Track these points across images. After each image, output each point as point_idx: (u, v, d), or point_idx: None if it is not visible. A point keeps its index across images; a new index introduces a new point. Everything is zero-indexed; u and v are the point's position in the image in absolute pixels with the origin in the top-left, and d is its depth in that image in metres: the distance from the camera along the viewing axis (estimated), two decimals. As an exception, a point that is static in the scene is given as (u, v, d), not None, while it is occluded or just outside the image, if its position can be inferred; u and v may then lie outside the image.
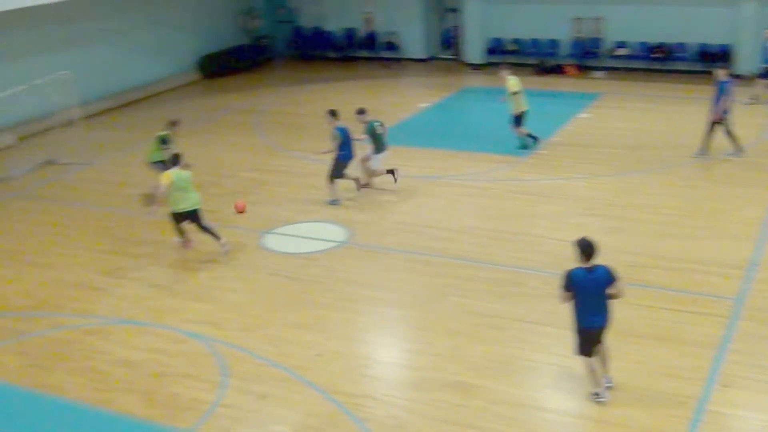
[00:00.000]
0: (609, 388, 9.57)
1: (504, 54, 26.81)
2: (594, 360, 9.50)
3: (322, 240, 14.34)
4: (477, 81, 26.10)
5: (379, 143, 16.23)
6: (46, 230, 15.44)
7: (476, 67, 27.11)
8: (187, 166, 13.87)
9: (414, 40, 28.62)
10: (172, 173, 13.62)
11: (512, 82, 18.24)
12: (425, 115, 22.34)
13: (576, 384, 9.80)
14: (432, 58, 28.86)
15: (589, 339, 9.34)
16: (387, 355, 10.98)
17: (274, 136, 20.44)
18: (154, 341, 11.35)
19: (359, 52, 29.42)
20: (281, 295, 12.48)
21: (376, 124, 16.23)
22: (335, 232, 14.59)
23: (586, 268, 9.06)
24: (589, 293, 9.08)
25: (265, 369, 10.54)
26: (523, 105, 18.28)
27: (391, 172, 16.45)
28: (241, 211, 15.77)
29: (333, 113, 15.94)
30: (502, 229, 14.38)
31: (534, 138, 18.66)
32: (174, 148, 15.86)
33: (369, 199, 16.02)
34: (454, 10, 28.34)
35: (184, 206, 13.74)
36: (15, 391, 10.40)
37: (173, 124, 16.16)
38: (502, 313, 11.55)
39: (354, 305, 12.09)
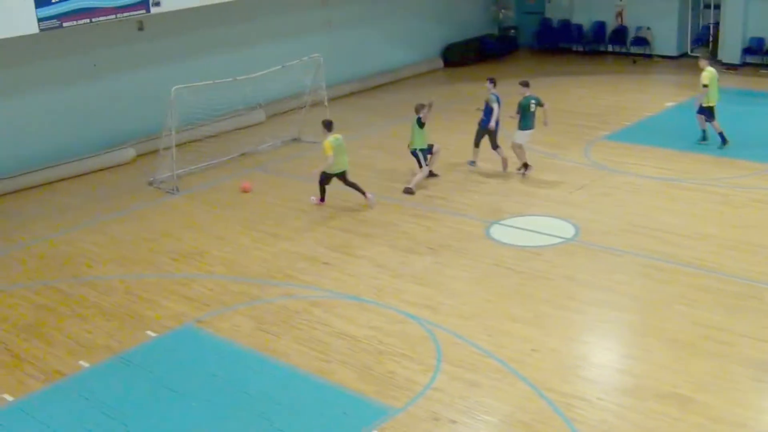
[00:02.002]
0: None
1: (764, 55, 25.20)
2: None
3: (548, 235, 14.15)
4: (731, 82, 24.56)
5: (526, 120, 16.47)
6: (284, 203, 16.27)
7: (732, 67, 25.61)
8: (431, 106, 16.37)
9: (666, 36, 27.45)
10: (332, 140, 14.97)
11: (705, 74, 17.76)
12: (671, 114, 21.41)
13: (808, 412, 9.12)
14: (683, 56, 27.60)
15: None
16: (603, 357, 10.67)
17: (512, 127, 20.31)
18: (375, 319, 11.69)
19: (607, 46, 28.65)
20: (502, 287, 12.46)
21: (532, 100, 16.43)
22: (562, 228, 14.35)
23: None
24: None
25: (478, 358, 10.58)
26: (711, 99, 17.87)
27: (525, 166, 16.96)
28: (246, 191, 16.64)
29: (492, 80, 17.09)
30: (741, 239, 13.55)
31: (724, 139, 18.06)
32: (423, 130, 16.43)
33: (600, 198, 15.63)
34: (712, 6, 26.90)
35: (338, 168, 15.37)
36: (244, 352, 11.08)
37: (423, 107, 16.48)
38: (732, 327, 10.90)
39: (574, 304, 11.85)
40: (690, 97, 22.63)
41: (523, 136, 16.76)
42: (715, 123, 18.08)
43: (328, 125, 15.47)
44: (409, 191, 16.32)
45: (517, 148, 16.88)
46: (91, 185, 18.15)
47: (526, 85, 16.69)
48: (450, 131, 20.32)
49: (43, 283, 13.46)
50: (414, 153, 16.56)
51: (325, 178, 15.66)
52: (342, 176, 15.62)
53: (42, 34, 16.20)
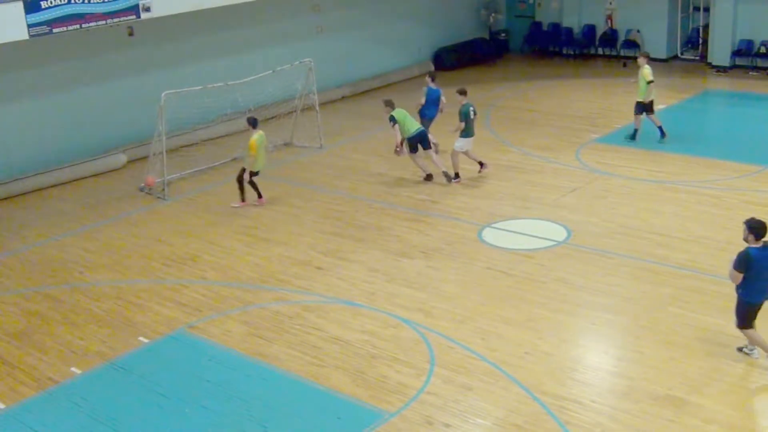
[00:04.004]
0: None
1: (754, 57, 25.30)
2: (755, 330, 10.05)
3: (541, 238, 14.16)
4: (721, 84, 24.76)
5: (468, 127, 16.76)
6: (278, 208, 16.24)
7: (721, 69, 25.70)
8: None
9: (656, 39, 27.48)
10: (257, 137, 15.76)
11: (647, 71, 18.41)
12: (661, 116, 21.33)
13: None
14: (674, 58, 27.67)
15: (755, 313, 9.93)
16: (597, 360, 10.67)
17: (502, 131, 20.39)
18: (368, 323, 11.68)
19: (597, 49, 28.70)
20: (495, 290, 12.46)
21: (471, 107, 16.76)
22: (555, 231, 14.36)
23: (759, 247, 9.70)
24: (764, 269, 9.67)
25: (472, 361, 10.58)
26: (653, 95, 18.60)
27: (481, 164, 17.27)
28: (149, 185, 17.31)
29: (431, 75, 18.67)
30: (733, 241, 13.48)
31: (662, 132, 18.92)
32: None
33: (592, 201, 15.65)
34: (701, 9, 26.96)
35: (261, 165, 16.05)
36: (237, 358, 11.05)
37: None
38: (726, 329, 10.88)
39: (568, 307, 11.86)
40: (680, 99, 22.83)
41: (466, 144, 16.87)
42: (640, 117, 18.87)
43: (253, 122, 16.02)
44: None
45: (455, 156, 16.94)
46: (83, 191, 18.08)
47: (463, 93, 16.94)
48: (441, 135, 20.31)
49: (35, 290, 13.41)
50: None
51: (252, 177, 16.18)
52: (256, 174, 16.18)
53: (32, 40, 16.13)
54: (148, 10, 17.52)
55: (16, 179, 18.00)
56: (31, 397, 10.44)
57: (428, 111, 18.30)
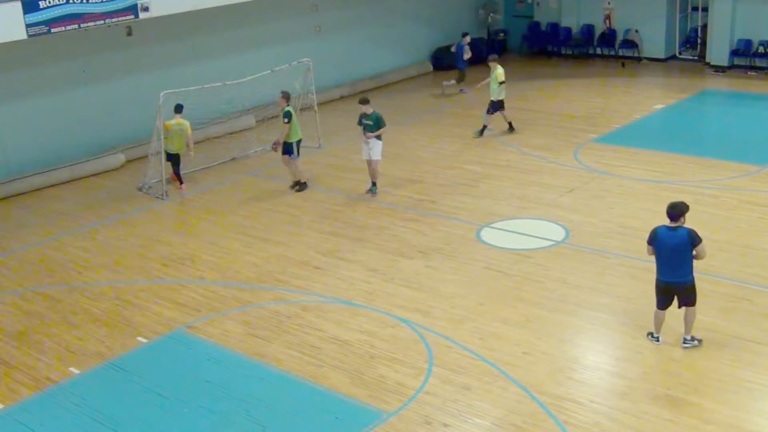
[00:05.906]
0: (687, 347, 10.52)
1: (752, 56, 25.31)
2: (663, 313, 10.54)
3: (539, 238, 14.17)
4: (719, 84, 24.75)
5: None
6: (276, 208, 16.24)
7: (720, 69, 25.71)
8: None
9: (654, 39, 27.49)
10: (173, 123, 16.95)
11: (500, 71, 19.50)
12: (660, 116, 21.47)
13: (800, 412, 9.14)
14: (672, 58, 27.68)
15: (663, 292, 10.42)
16: (596, 360, 10.67)
17: (501, 130, 20.36)
18: (366, 323, 11.68)
19: (596, 49, 28.70)
20: (493, 290, 12.46)
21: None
22: (553, 231, 14.36)
23: (669, 227, 10.24)
24: (668, 250, 10.20)
25: (470, 361, 10.58)
26: (503, 94, 19.68)
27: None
28: (174, 181, 17.78)
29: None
30: (731, 240, 13.60)
31: (511, 128, 20.17)
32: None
33: (590, 201, 15.65)
34: (700, 9, 26.97)
35: (173, 149, 17.14)
36: (236, 358, 11.05)
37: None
38: (724, 328, 10.94)
39: (566, 306, 11.85)
40: (679, 99, 22.83)
41: (381, 150, 16.49)
42: (491, 116, 19.95)
43: (177, 108, 17.15)
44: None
45: (379, 164, 16.61)
46: (81, 191, 18.07)
47: (367, 102, 16.46)
48: (441, 135, 20.37)
49: (33, 290, 13.40)
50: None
51: (167, 158, 17.26)
52: (175, 159, 17.37)
53: (30, 40, 16.12)
54: (146, 9, 17.52)
55: (15, 179, 17.98)
56: (30, 398, 10.43)
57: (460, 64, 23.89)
